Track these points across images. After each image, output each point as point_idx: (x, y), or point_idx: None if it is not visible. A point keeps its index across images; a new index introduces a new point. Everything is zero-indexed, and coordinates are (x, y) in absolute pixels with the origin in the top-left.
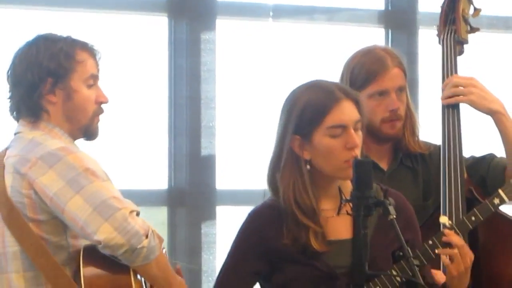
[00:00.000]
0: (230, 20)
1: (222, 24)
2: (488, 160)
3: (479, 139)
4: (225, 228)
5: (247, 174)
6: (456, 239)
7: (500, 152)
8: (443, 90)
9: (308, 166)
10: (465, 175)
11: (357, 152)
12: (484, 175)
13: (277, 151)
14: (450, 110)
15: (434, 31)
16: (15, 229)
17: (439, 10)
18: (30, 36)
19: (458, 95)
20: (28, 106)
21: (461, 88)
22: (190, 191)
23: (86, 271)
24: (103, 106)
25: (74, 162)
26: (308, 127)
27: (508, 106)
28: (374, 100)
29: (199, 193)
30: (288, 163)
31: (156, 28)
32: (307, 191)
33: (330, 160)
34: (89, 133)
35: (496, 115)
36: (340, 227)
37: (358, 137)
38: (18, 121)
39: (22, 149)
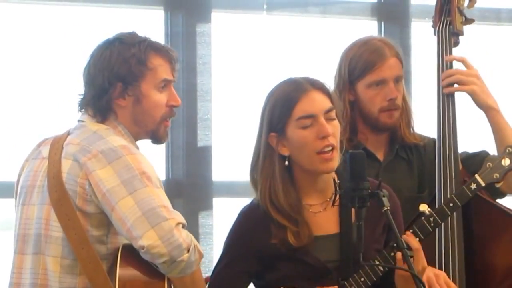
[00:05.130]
0: (225, 13)
1: (217, 17)
2: (481, 156)
3: (472, 135)
4: (221, 219)
5: (243, 166)
6: (414, 242)
7: (492, 148)
8: (443, 80)
9: (286, 162)
10: (460, 167)
11: (332, 141)
12: (476, 171)
13: (255, 152)
14: (449, 99)
15: (427, 24)
16: (62, 215)
17: (431, 3)
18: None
19: (459, 84)
20: (97, 107)
21: (464, 77)
22: (187, 183)
23: (122, 270)
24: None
25: (132, 163)
26: (280, 121)
27: (500, 98)
28: (372, 89)
29: (195, 185)
30: (266, 162)
31: (152, 21)
32: (280, 190)
33: (304, 153)
34: (156, 137)
35: (491, 111)
36: (327, 222)
37: (332, 127)
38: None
39: (85, 139)
